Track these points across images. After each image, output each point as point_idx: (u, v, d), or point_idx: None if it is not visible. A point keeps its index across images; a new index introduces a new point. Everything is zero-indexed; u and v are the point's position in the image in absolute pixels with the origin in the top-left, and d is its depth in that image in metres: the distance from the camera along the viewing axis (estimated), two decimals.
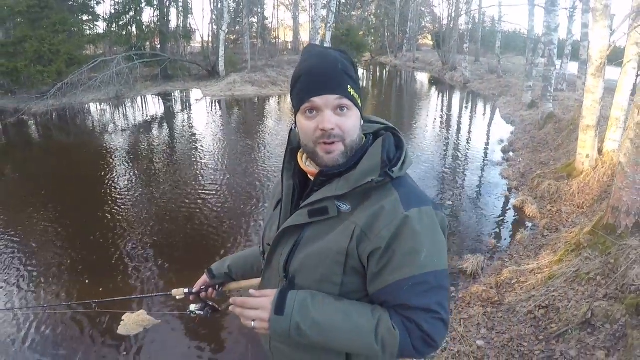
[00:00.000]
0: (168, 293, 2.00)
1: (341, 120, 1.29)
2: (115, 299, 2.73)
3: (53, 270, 6.09)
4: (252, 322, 1.31)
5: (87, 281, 5.72)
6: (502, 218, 7.34)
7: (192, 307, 1.93)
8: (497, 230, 6.84)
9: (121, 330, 4.43)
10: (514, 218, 7.34)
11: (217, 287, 1.94)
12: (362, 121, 1.36)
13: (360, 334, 1.24)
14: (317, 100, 1.28)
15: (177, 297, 1.98)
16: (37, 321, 4.93)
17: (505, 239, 6.51)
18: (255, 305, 1.32)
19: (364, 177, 1.25)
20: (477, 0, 30.94)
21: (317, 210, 1.31)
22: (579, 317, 3.76)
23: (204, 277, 1.94)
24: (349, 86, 1.29)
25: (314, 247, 1.31)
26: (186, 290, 1.95)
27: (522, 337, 3.82)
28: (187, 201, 8.32)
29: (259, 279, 1.61)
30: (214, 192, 8.76)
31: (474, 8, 30.55)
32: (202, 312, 1.91)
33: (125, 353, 4.47)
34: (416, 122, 16.01)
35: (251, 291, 1.39)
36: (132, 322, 4.48)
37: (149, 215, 7.75)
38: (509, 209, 7.71)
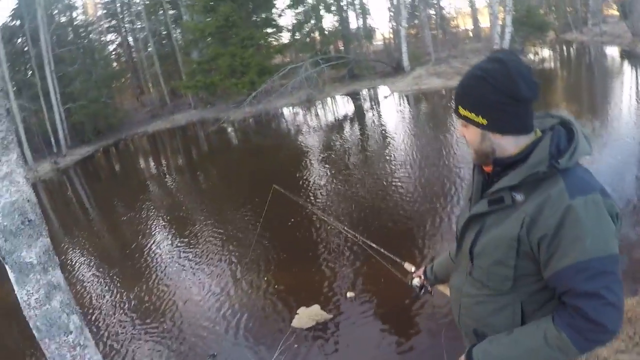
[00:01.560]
0: (403, 263, 2.53)
1: (465, 132, 1.51)
2: (372, 245, 3.01)
3: (258, 259, 6.65)
4: None
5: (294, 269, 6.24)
6: None
7: (415, 281, 2.31)
8: None
9: (295, 323, 4.92)
10: None
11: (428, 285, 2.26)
12: (495, 134, 1.43)
13: (537, 354, 1.37)
14: None
15: (406, 268, 2.47)
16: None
17: None
18: None
19: (533, 168, 1.34)
20: None
21: (494, 200, 1.45)
22: None
23: (422, 270, 2.27)
24: (460, 107, 1.46)
25: (493, 233, 1.45)
26: (414, 269, 2.38)
27: None
28: (382, 195, 8.32)
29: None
30: (409, 188, 8.49)
31: None
32: (418, 287, 2.29)
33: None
34: (609, 102, 13.09)
35: None
36: (305, 315, 4.99)
37: (349, 207, 7.98)
38: None
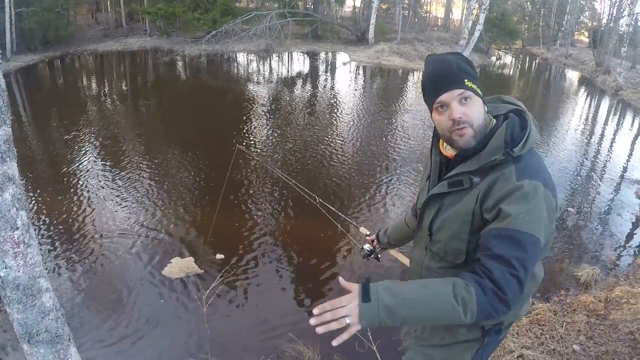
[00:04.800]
0: (359, 227, 2.73)
1: (466, 109, 1.52)
2: (330, 207, 3.09)
3: (184, 196, 6.75)
4: (346, 319, 1.31)
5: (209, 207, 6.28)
6: (627, 239, 6.64)
7: (366, 246, 2.49)
8: (619, 249, 6.30)
9: (165, 271, 4.91)
10: None
11: (379, 248, 2.51)
12: (486, 106, 1.59)
13: (441, 298, 1.34)
14: (444, 97, 1.52)
15: (361, 231, 2.66)
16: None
17: (625, 259, 6.05)
18: (343, 302, 1.34)
19: (490, 156, 1.51)
20: None
21: (454, 182, 1.61)
22: None
23: (374, 236, 2.50)
24: (465, 80, 1.51)
25: (451, 210, 1.62)
26: (368, 233, 2.57)
27: (617, 353, 3.74)
28: (317, 161, 8.35)
29: (407, 259, 2.21)
30: (344, 157, 8.64)
31: (637, 10, 25.65)
32: (369, 253, 2.47)
33: None
34: (558, 122, 13.91)
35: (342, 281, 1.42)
36: (177, 266, 4.99)
37: (287, 163, 8.04)
38: (637, 232, 6.87)
